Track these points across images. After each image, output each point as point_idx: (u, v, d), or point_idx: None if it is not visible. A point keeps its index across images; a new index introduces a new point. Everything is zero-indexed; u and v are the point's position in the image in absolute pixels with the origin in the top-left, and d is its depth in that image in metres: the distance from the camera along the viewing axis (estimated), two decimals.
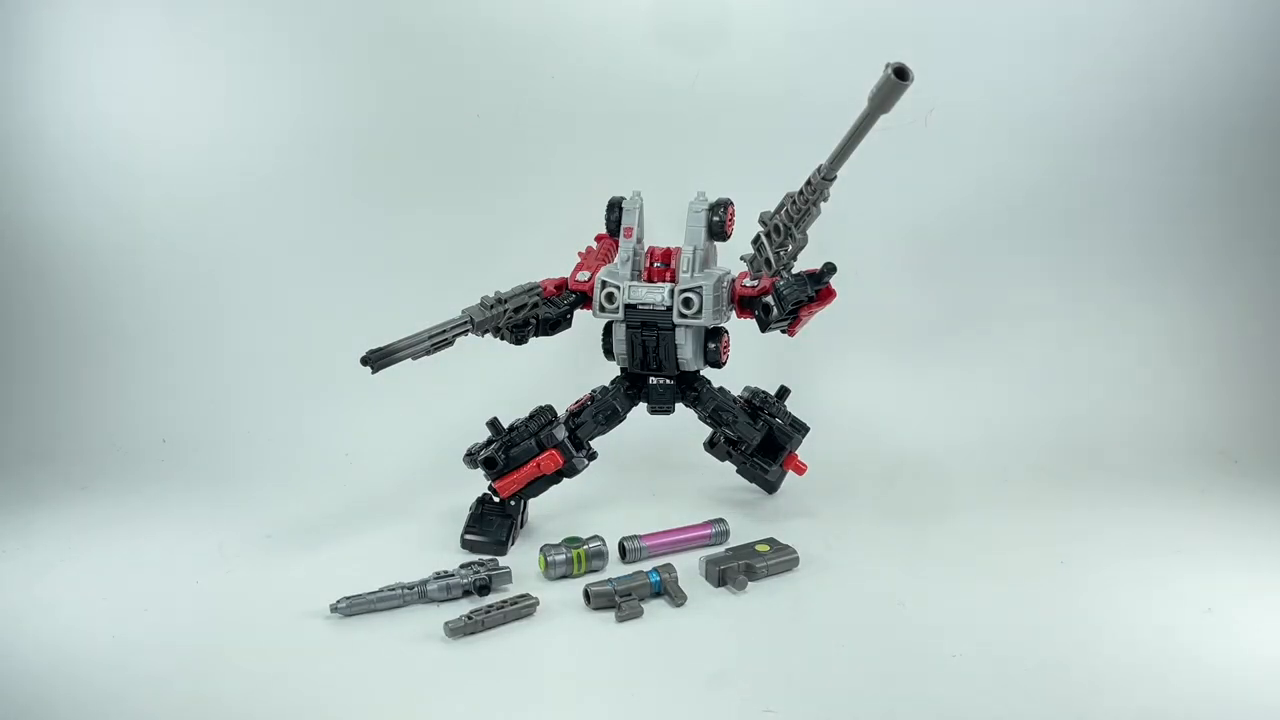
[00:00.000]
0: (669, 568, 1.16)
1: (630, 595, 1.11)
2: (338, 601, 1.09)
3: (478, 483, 1.32)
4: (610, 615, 1.10)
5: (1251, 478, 1.56)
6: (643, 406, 1.38)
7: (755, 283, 1.29)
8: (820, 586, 1.18)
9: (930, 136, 1.71)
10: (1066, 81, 1.77)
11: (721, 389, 1.38)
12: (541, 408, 1.32)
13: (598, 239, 1.42)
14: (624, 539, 1.25)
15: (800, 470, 1.41)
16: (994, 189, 1.80)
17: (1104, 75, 1.77)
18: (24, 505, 1.42)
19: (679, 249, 1.31)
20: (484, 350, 1.38)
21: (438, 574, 1.13)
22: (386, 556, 1.24)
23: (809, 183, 1.14)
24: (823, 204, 1.15)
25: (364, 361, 1.10)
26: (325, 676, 0.98)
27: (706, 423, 1.39)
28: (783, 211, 1.18)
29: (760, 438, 1.38)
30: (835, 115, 1.13)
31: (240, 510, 1.40)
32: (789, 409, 1.41)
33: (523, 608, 1.09)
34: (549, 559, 1.19)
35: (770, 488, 1.47)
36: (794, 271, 1.24)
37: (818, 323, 1.36)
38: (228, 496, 1.45)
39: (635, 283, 1.30)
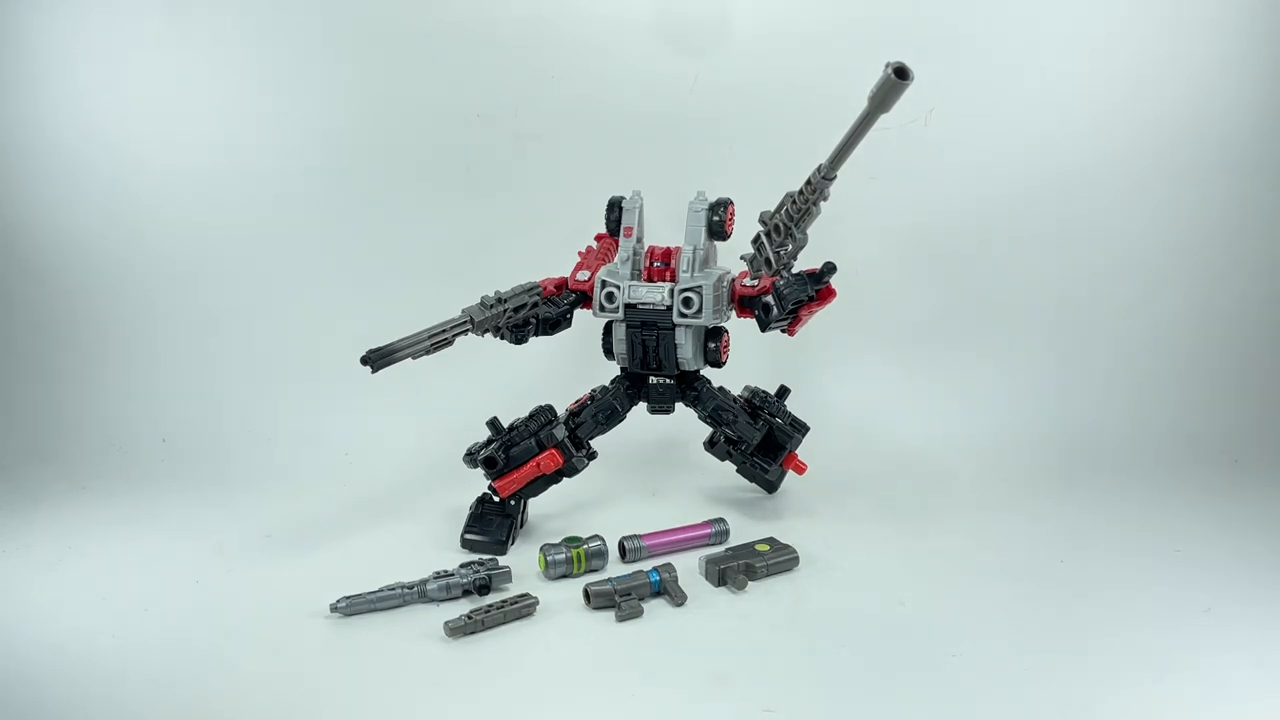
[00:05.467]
0: (669, 567, 1.16)
1: (630, 595, 1.11)
2: (338, 601, 1.09)
3: (478, 482, 1.32)
4: (610, 615, 1.10)
5: (1251, 478, 1.56)
6: (643, 406, 1.38)
7: (755, 282, 1.29)
8: (820, 586, 1.18)
9: (930, 136, 1.71)
10: (1067, 81, 1.77)
11: (721, 389, 1.38)
12: (541, 407, 1.32)
13: (598, 239, 1.42)
14: (624, 539, 1.25)
15: (800, 470, 1.41)
16: (993, 188, 1.80)
17: (1105, 75, 1.77)
18: (24, 505, 1.42)
19: (679, 248, 1.31)
20: (484, 350, 1.38)
21: (438, 574, 1.13)
22: (386, 556, 1.24)
23: (809, 182, 1.13)
24: (823, 203, 1.15)
25: (364, 361, 1.10)
26: (325, 676, 0.98)
27: (706, 422, 1.39)
28: (783, 211, 1.18)
29: (760, 437, 1.38)
30: (835, 115, 1.13)
31: (240, 510, 1.40)
32: (789, 409, 1.41)
33: (523, 607, 1.09)
34: (549, 559, 1.19)
35: (770, 487, 1.47)
36: (794, 271, 1.24)
37: (818, 322, 1.36)
38: (228, 496, 1.45)
39: (635, 282, 1.30)
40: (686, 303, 1.27)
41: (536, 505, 1.38)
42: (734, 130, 1.78)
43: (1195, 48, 1.75)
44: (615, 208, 1.35)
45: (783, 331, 1.31)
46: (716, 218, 1.29)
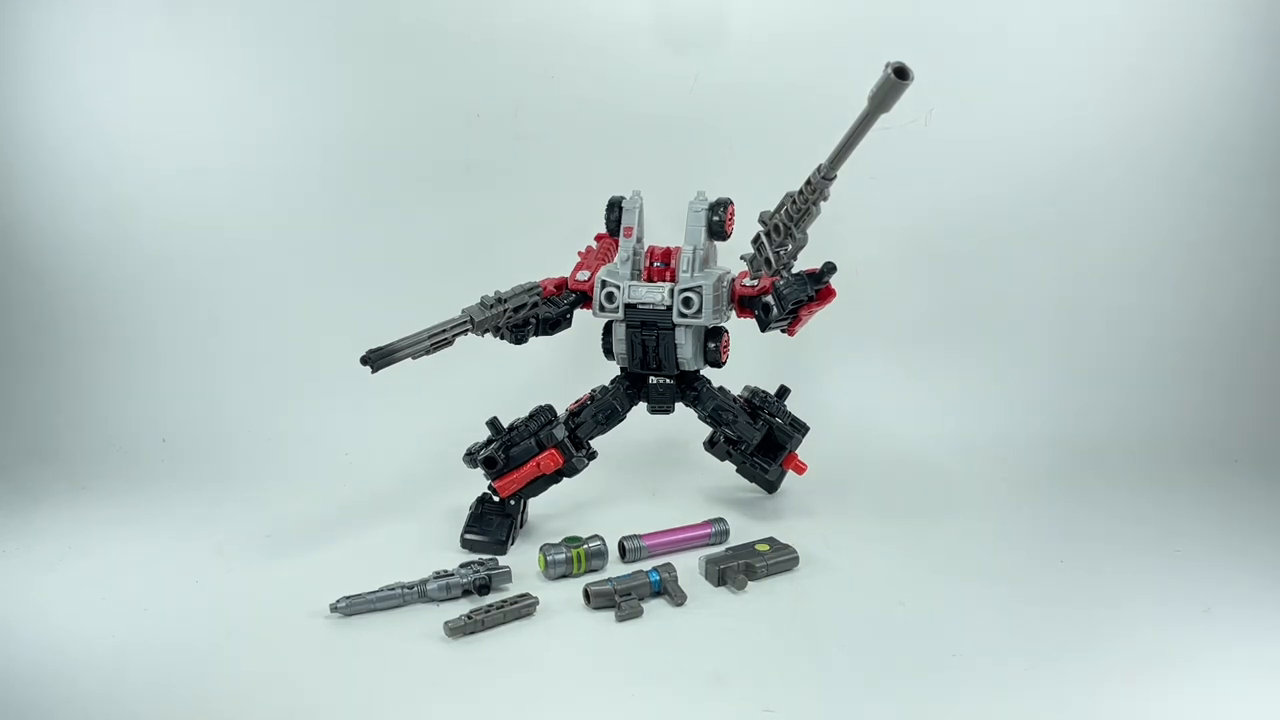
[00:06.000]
0: (669, 567, 1.16)
1: (630, 595, 1.11)
2: (338, 601, 1.09)
3: (478, 482, 1.32)
4: (610, 615, 1.10)
5: (1251, 478, 1.56)
6: (643, 406, 1.38)
7: (755, 282, 1.29)
8: (820, 586, 1.18)
9: (930, 136, 1.71)
10: (1067, 81, 1.77)
11: (721, 388, 1.38)
12: (541, 407, 1.32)
13: (598, 239, 1.42)
14: (624, 538, 1.25)
15: (800, 470, 1.41)
16: (994, 189, 1.80)
17: (1105, 75, 1.77)
18: (24, 505, 1.42)
19: (679, 248, 1.31)
20: (484, 350, 1.38)
21: (438, 573, 1.13)
22: (386, 556, 1.24)
23: (809, 182, 1.13)
24: (822, 203, 1.15)
25: (364, 361, 1.10)
26: (325, 676, 0.98)
27: (706, 422, 1.39)
28: (782, 211, 1.18)
29: (760, 437, 1.38)
30: (835, 115, 1.13)
31: (240, 510, 1.40)
32: (789, 409, 1.41)
33: (522, 607, 1.09)
34: (549, 558, 1.19)
35: (770, 487, 1.47)
36: (794, 271, 1.24)
37: (818, 322, 1.36)
38: (228, 496, 1.45)
39: (635, 282, 1.30)
40: (686, 303, 1.27)
41: (536, 505, 1.38)
42: (734, 130, 1.78)
43: (1198, 45, 1.75)
44: (615, 208, 1.35)
45: (783, 331, 1.31)
46: (716, 218, 1.29)
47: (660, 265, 1.31)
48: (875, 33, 1.73)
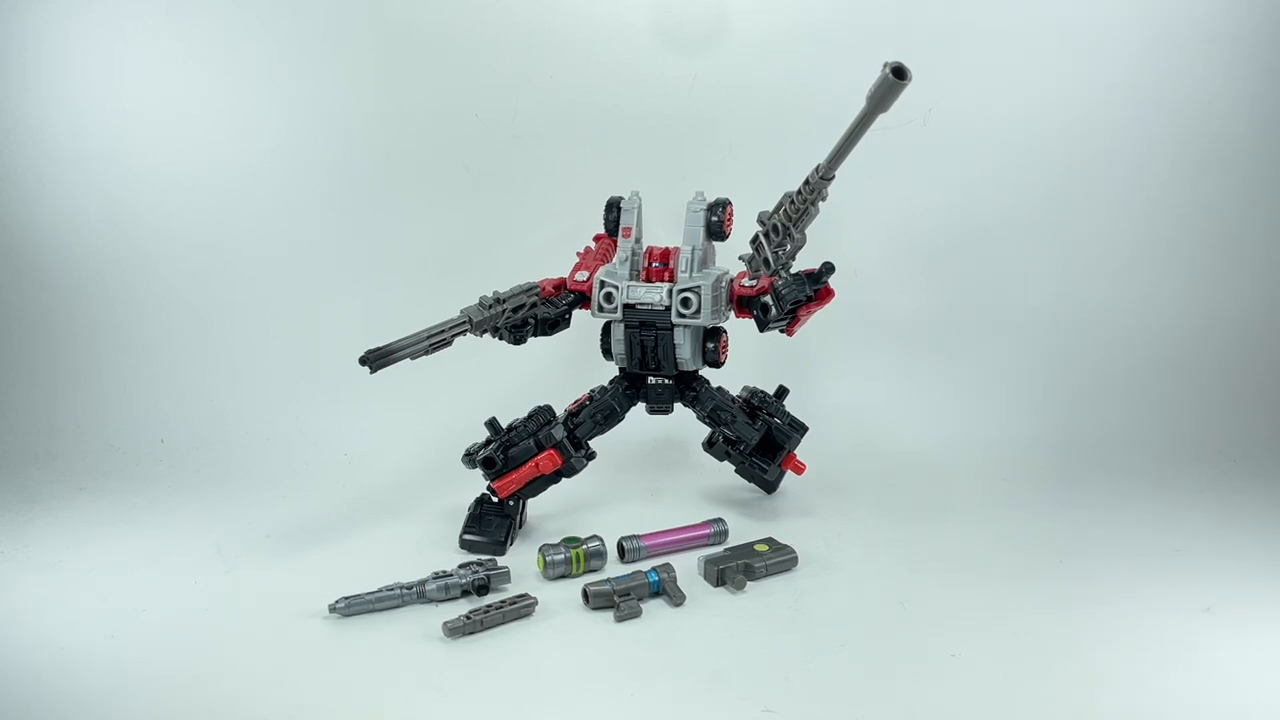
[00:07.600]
0: (668, 567, 1.16)
1: (629, 595, 1.11)
2: (337, 601, 1.09)
3: (477, 483, 1.32)
4: (609, 615, 1.10)
5: (1251, 478, 1.56)
6: (642, 406, 1.38)
7: (754, 282, 1.29)
8: (820, 586, 1.18)
9: (928, 136, 1.71)
10: (1066, 81, 1.77)
11: (720, 389, 1.38)
12: (540, 408, 1.32)
13: (596, 239, 1.42)
14: (623, 539, 1.25)
15: (799, 470, 1.41)
16: (993, 188, 1.79)
17: (1104, 74, 1.77)
18: (23, 505, 1.42)
19: (677, 249, 1.31)
20: (483, 350, 1.38)
21: (436, 574, 1.13)
22: (386, 556, 1.24)
23: (807, 182, 1.14)
24: (821, 203, 1.15)
25: (362, 362, 1.10)
26: (325, 676, 0.98)
27: (705, 422, 1.39)
28: (781, 211, 1.18)
29: (759, 437, 1.38)
30: (834, 115, 1.13)
31: (240, 510, 1.40)
32: (788, 409, 1.41)
33: (521, 607, 1.09)
34: (548, 559, 1.19)
35: (769, 487, 1.47)
36: (792, 271, 1.24)
37: (816, 322, 1.36)
38: (228, 496, 1.45)
39: (634, 282, 1.30)
40: (685, 303, 1.27)
41: (535, 505, 1.38)
42: (733, 130, 1.78)
43: (1196, 43, 1.75)
44: (614, 208, 1.35)
45: (781, 332, 1.31)
46: (715, 218, 1.29)
47: (659, 265, 1.31)
48: (874, 32, 1.73)
